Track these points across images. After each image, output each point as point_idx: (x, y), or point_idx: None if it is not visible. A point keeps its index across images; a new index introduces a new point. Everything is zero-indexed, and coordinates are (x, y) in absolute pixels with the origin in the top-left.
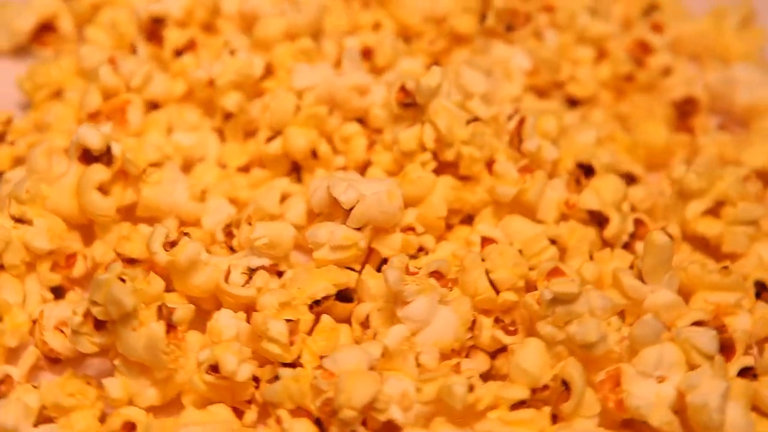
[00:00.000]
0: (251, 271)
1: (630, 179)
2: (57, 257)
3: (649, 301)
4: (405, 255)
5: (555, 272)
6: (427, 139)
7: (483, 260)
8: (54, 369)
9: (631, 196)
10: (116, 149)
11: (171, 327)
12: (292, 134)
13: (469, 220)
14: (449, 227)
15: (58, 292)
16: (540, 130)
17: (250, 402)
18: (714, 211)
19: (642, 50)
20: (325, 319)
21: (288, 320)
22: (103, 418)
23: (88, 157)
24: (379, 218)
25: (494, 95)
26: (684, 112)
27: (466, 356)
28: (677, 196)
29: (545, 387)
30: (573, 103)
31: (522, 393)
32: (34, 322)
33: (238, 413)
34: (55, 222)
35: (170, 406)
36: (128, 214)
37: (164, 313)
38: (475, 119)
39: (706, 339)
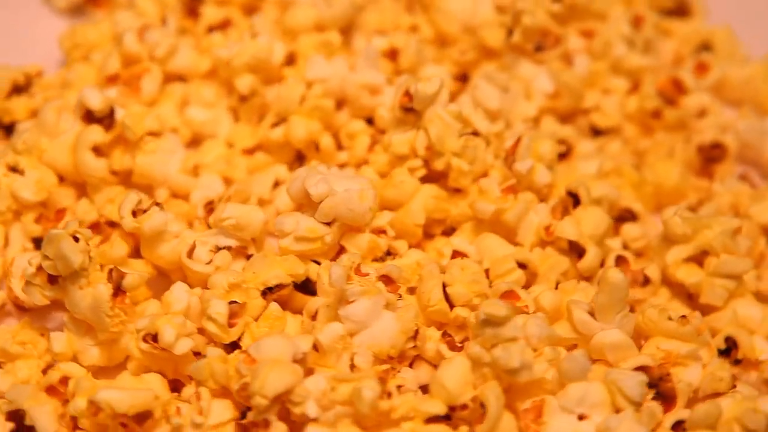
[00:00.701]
0: (218, 250)
1: (629, 216)
2: (46, 211)
3: (597, 338)
4: (358, 255)
5: (510, 295)
6: (419, 145)
7: (443, 272)
8: (20, 316)
9: (626, 233)
10: (118, 114)
11: (120, 291)
12: (295, 123)
13: (451, 232)
14: (430, 236)
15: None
16: (535, 152)
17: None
18: (698, 259)
19: (676, 89)
20: (273, 307)
21: (233, 302)
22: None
23: (90, 117)
24: (347, 216)
25: (507, 112)
26: (709, 157)
27: (410, 365)
28: (662, 239)
29: (464, 406)
30: (597, 132)
31: (438, 408)
32: None
33: (179, 386)
34: (47, 175)
35: (117, 369)
36: (126, 179)
37: (114, 277)
38: (474, 133)
39: (633, 383)
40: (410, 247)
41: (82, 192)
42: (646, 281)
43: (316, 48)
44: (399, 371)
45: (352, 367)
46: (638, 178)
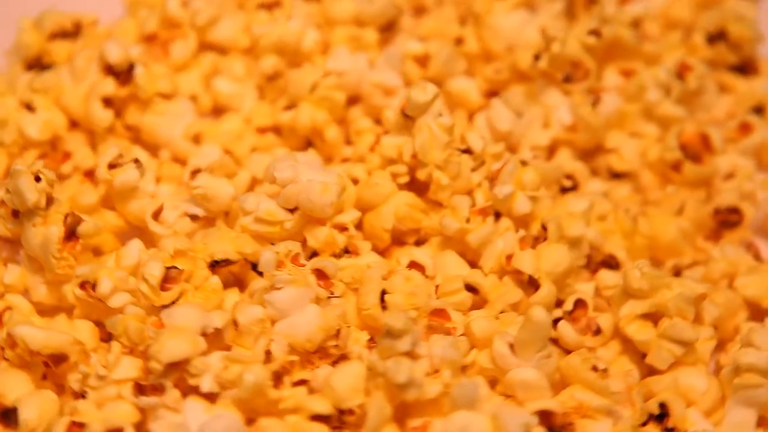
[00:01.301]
0: (186, 216)
1: (612, 263)
2: (54, 152)
3: (511, 374)
4: (298, 244)
5: (440, 314)
6: (405, 152)
7: (384, 279)
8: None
9: (601, 279)
10: (137, 71)
11: (73, 236)
12: (302, 109)
13: (423, 243)
14: (401, 244)
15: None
16: (518, 179)
17: None
18: (655, 318)
19: (703, 144)
20: (213, 280)
21: (172, 267)
22: None
23: (109, 70)
24: (308, 206)
25: (519, 136)
26: (724, 221)
27: (334, 364)
28: (621, 291)
29: (350, 411)
30: (615, 175)
31: (323, 408)
32: None
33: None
34: (57, 118)
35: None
36: (138, 136)
37: (68, 221)
38: (466, 150)
39: (516, 424)
40: (378, 251)
41: (93, 141)
42: (598, 331)
43: (347, 41)
44: (318, 367)
45: (268, 353)
46: (631, 227)
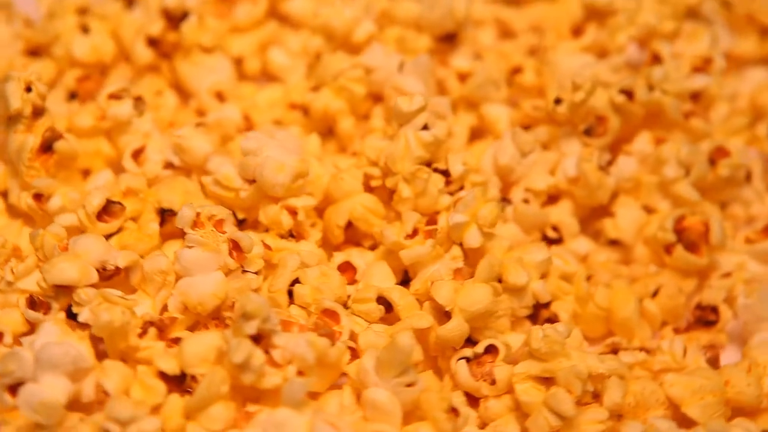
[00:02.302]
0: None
1: (553, 319)
2: (99, 76)
3: (366, 391)
4: (226, 211)
5: (330, 314)
6: (381, 156)
7: (300, 268)
8: None
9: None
10: (188, 20)
11: (49, 150)
12: (321, 94)
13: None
14: (356, 245)
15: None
16: (474, 211)
17: None
18: (548, 383)
19: (704, 236)
20: (152, 226)
21: (113, 202)
22: None
23: (165, 13)
24: (261, 180)
25: (520, 175)
26: (700, 317)
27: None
28: (527, 351)
29: (193, 377)
30: (612, 241)
31: (168, 367)
32: None
33: None
34: (107, 45)
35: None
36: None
37: (46, 134)
38: (443, 172)
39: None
40: (332, 245)
41: (137, 74)
42: (494, 381)
43: (396, 41)
44: (208, 329)
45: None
46: (586, 294)
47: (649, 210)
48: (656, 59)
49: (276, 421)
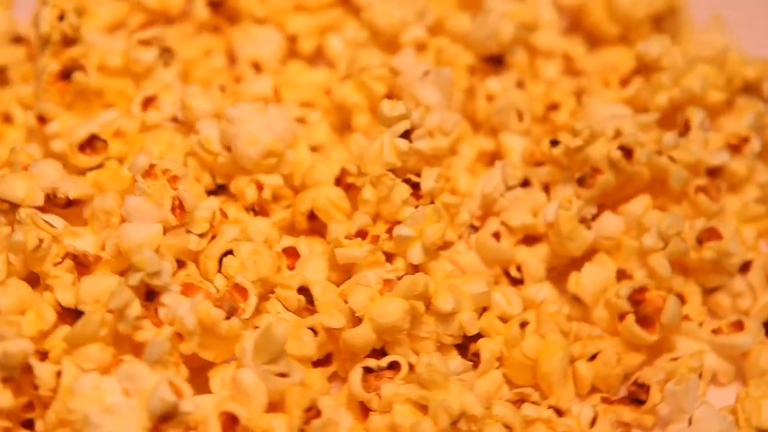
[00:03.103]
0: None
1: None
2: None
3: (236, 372)
4: (184, 169)
5: (240, 290)
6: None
7: (236, 240)
8: None
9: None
10: None
11: (67, 78)
12: (343, 86)
13: None
14: (320, 234)
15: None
16: (421, 228)
17: None
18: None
19: (658, 312)
20: (126, 172)
21: (97, 138)
22: None
23: None
24: (233, 149)
25: (499, 206)
26: (632, 394)
27: None
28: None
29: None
30: (576, 298)
31: (65, 299)
32: None
33: None
34: None
35: None
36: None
37: (68, 63)
38: (413, 184)
39: (157, 398)
40: (296, 230)
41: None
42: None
43: (437, 51)
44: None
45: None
46: (514, 339)
47: (623, 275)
48: (686, 126)
49: (130, 372)
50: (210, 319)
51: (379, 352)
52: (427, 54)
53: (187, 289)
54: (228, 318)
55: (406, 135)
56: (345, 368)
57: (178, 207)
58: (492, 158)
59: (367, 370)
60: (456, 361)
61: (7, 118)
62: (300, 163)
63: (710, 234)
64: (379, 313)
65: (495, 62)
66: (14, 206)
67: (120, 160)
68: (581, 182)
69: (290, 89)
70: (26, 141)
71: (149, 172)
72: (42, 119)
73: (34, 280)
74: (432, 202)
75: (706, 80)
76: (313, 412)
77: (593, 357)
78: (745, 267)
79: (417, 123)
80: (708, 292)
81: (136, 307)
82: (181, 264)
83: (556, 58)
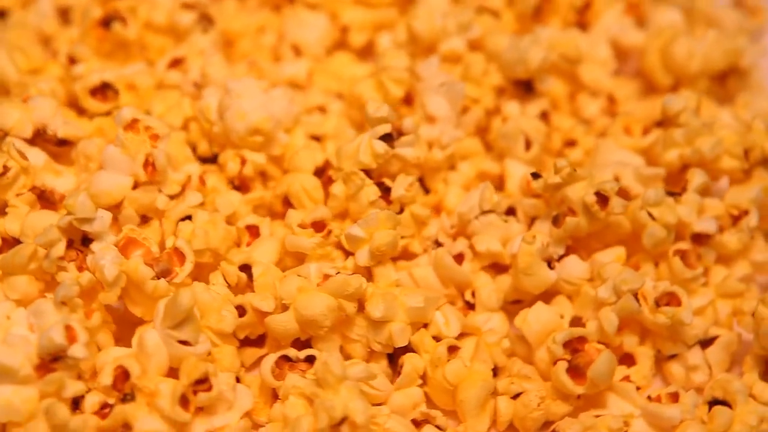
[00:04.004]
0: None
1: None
2: None
3: (142, 331)
4: (167, 131)
5: (179, 254)
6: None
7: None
8: None
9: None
10: None
11: (110, 24)
12: (363, 82)
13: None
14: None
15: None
16: (371, 230)
17: None
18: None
19: (586, 367)
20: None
21: (109, 86)
22: None
23: None
24: (223, 121)
25: (472, 229)
26: None
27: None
28: None
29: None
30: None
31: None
32: None
33: None
34: None
35: None
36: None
37: (110, 12)
38: (385, 190)
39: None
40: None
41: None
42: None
43: (466, 66)
44: None
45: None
46: (437, 360)
47: (578, 322)
48: (684, 187)
49: (38, 309)
50: (138, 276)
51: (306, 345)
52: (458, 67)
53: (129, 244)
54: (158, 278)
55: (388, 138)
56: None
57: (151, 164)
58: (495, 181)
59: (286, 359)
60: (359, 366)
61: (54, 54)
62: (292, 148)
63: (669, 299)
64: (303, 304)
65: (524, 87)
66: (3, 134)
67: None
68: (555, 221)
69: (326, 78)
70: (61, 80)
71: (132, 126)
72: (72, 60)
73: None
74: (401, 211)
75: (720, 145)
76: (205, 385)
77: (517, 395)
78: (708, 342)
79: (408, 129)
80: (667, 358)
81: (60, 248)
82: (145, 220)
83: (600, 97)
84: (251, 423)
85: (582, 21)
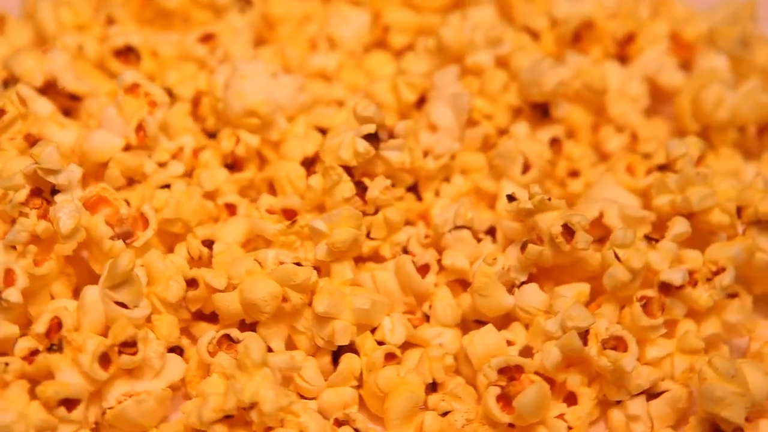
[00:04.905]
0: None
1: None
2: None
3: (84, 288)
4: (162, 93)
5: (143, 219)
6: None
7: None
8: None
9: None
10: None
11: None
12: (379, 83)
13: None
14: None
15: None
16: (332, 226)
17: None
18: None
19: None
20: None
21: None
22: None
23: None
24: (224, 98)
25: (444, 243)
26: None
27: None
28: None
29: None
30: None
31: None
32: None
33: None
34: None
35: None
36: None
37: None
38: (364, 189)
39: None
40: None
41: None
42: None
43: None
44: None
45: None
46: (372, 365)
47: (527, 352)
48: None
49: None
50: (97, 233)
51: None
52: (479, 81)
53: (100, 202)
54: (117, 239)
55: (374, 138)
56: None
57: (143, 130)
58: (490, 200)
59: (228, 338)
60: (282, 356)
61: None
62: (289, 135)
63: (617, 343)
64: (249, 287)
65: (541, 111)
66: (15, 80)
67: (150, 77)
68: (522, 247)
69: (355, 74)
70: (100, 40)
71: (132, 90)
72: (110, 21)
73: None
74: (376, 212)
75: (711, 198)
76: (132, 348)
77: (446, 413)
78: (656, 395)
79: (399, 134)
80: (614, 403)
81: (22, 194)
82: (131, 182)
83: (625, 133)
84: (171, 393)
85: (623, 54)
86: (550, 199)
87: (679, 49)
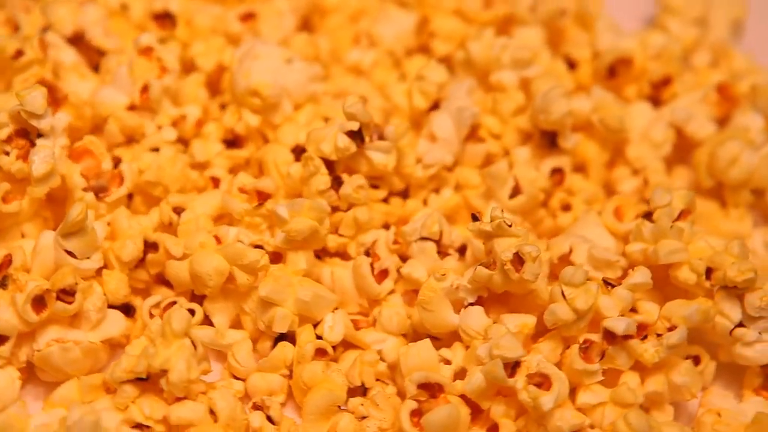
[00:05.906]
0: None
1: None
2: None
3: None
4: (173, 59)
5: (119, 176)
6: None
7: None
8: None
9: None
10: None
11: None
12: (395, 87)
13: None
14: None
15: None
16: (292, 215)
17: None
18: None
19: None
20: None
21: (170, 16)
22: None
23: None
24: (232, 74)
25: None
26: None
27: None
28: None
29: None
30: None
31: None
32: None
33: None
34: None
35: None
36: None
37: None
38: (338, 181)
39: None
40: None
41: None
42: None
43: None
44: None
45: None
46: (301, 358)
47: (462, 374)
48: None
49: None
50: (70, 182)
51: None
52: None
53: (84, 153)
54: (89, 191)
55: (358, 136)
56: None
57: (147, 92)
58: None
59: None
60: (206, 331)
61: None
62: (285, 121)
63: (542, 380)
64: (198, 259)
65: (549, 139)
66: (46, 27)
67: (184, 44)
68: (486, 263)
69: (389, 74)
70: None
71: (146, 53)
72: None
73: None
74: (349, 208)
75: (679, 254)
76: (71, 297)
77: (362, 418)
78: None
79: (387, 137)
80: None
81: (4, 132)
82: (130, 141)
83: (639, 176)
84: (102, 347)
85: (657, 96)
86: (510, 226)
87: (723, 101)
